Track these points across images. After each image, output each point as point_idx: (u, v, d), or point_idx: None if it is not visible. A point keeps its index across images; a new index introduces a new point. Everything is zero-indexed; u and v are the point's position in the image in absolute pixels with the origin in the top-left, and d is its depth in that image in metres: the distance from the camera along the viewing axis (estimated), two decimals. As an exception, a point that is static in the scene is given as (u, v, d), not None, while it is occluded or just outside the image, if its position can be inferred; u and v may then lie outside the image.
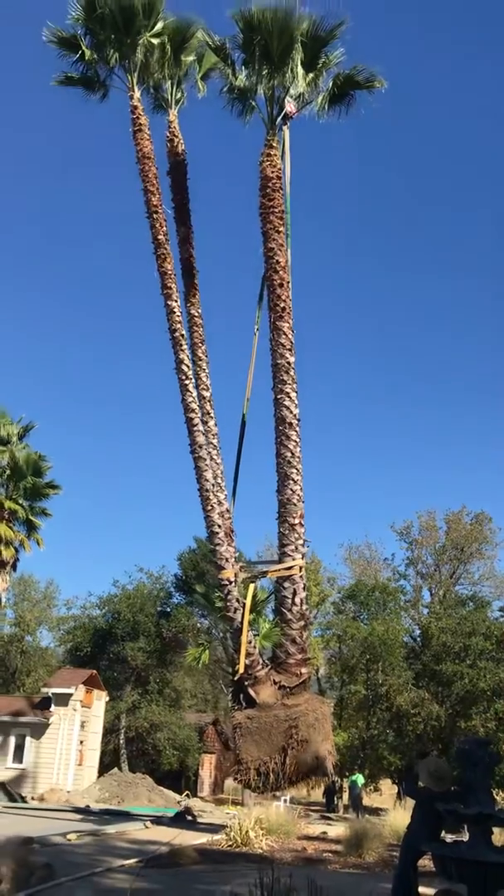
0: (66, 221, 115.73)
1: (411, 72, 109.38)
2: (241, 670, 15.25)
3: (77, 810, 23.45)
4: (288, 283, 17.22)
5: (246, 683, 15.28)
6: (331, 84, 18.04)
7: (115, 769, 32.75)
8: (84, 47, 18.83)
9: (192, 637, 38.72)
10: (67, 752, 30.92)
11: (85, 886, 10.04)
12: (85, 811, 23.27)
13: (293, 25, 16.83)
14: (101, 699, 33.94)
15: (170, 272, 18.07)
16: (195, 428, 17.39)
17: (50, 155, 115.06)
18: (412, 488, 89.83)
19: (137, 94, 18.87)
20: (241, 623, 15.62)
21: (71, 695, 31.21)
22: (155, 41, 18.79)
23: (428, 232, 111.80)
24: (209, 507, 16.97)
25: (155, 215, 18.21)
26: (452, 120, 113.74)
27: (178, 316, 17.92)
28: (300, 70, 17.20)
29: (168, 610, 39.20)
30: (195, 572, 39.13)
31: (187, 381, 17.62)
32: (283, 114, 17.79)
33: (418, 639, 41.93)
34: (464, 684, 35.63)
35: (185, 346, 17.82)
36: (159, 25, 18.74)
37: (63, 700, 31.04)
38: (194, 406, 17.54)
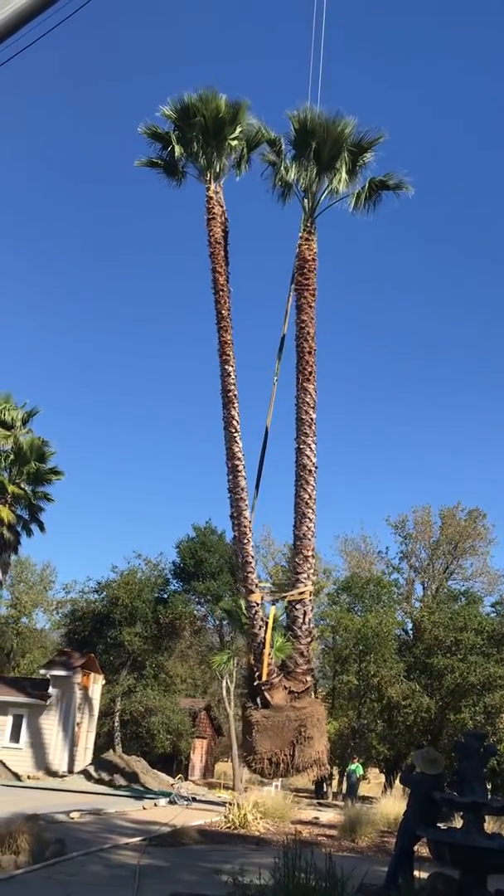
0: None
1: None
2: (265, 678, 17.24)
3: (75, 790, 24.03)
4: (315, 350, 19.30)
5: (263, 688, 17.20)
6: (366, 186, 20.14)
7: (110, 751, 33.27)
8: (174, 143, 20.69)
9: (188, 624, 39.22)
10: (64, 733, 31.48)
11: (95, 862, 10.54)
12: (83, 791, 23.85)
13: (343, 134, 18.98)
14: (97, 682, 34.48)
15: (229, 342, 19.64)
16: (239, 474, 18.91)
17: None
18: (409, 482, 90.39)
19: (213, 187, 20.63)
20: (264, 639, 17.59)
21: (69, 677, 31.72)
22: (234, 143, 20.72)
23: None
24: (245, 541, 18.71)
25: (221, 292, 19.91)
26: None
27: (233, 379, 19.44)
28: (344, 174, 19.42)
29: (165, 597, 39.60)
30: (193, 560, 39.57)
31: (235, 434, 19.18)
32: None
33: (411, 632, 42.50)
34: (454, 678, 36.17)
35: (235, 405, 19.31)
36: (238, 130, 20.60)
37: (61, 682, 31.54)
38: (240, 455, 19.09)
